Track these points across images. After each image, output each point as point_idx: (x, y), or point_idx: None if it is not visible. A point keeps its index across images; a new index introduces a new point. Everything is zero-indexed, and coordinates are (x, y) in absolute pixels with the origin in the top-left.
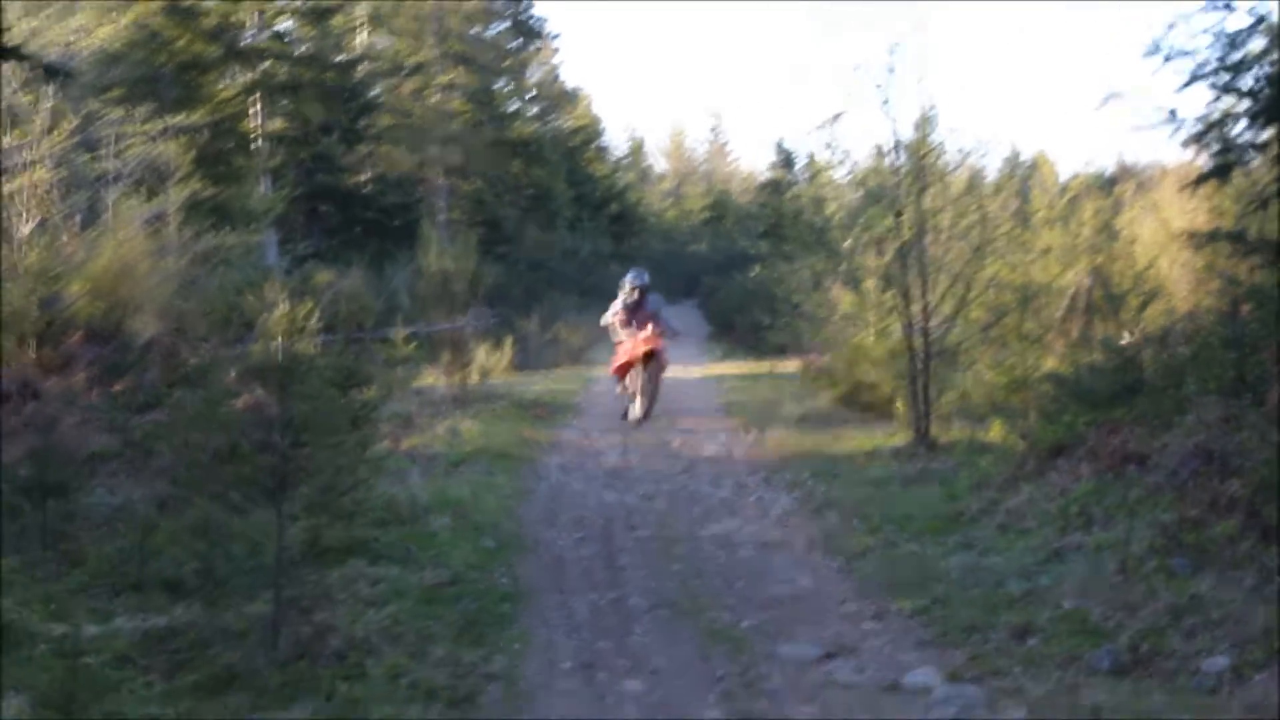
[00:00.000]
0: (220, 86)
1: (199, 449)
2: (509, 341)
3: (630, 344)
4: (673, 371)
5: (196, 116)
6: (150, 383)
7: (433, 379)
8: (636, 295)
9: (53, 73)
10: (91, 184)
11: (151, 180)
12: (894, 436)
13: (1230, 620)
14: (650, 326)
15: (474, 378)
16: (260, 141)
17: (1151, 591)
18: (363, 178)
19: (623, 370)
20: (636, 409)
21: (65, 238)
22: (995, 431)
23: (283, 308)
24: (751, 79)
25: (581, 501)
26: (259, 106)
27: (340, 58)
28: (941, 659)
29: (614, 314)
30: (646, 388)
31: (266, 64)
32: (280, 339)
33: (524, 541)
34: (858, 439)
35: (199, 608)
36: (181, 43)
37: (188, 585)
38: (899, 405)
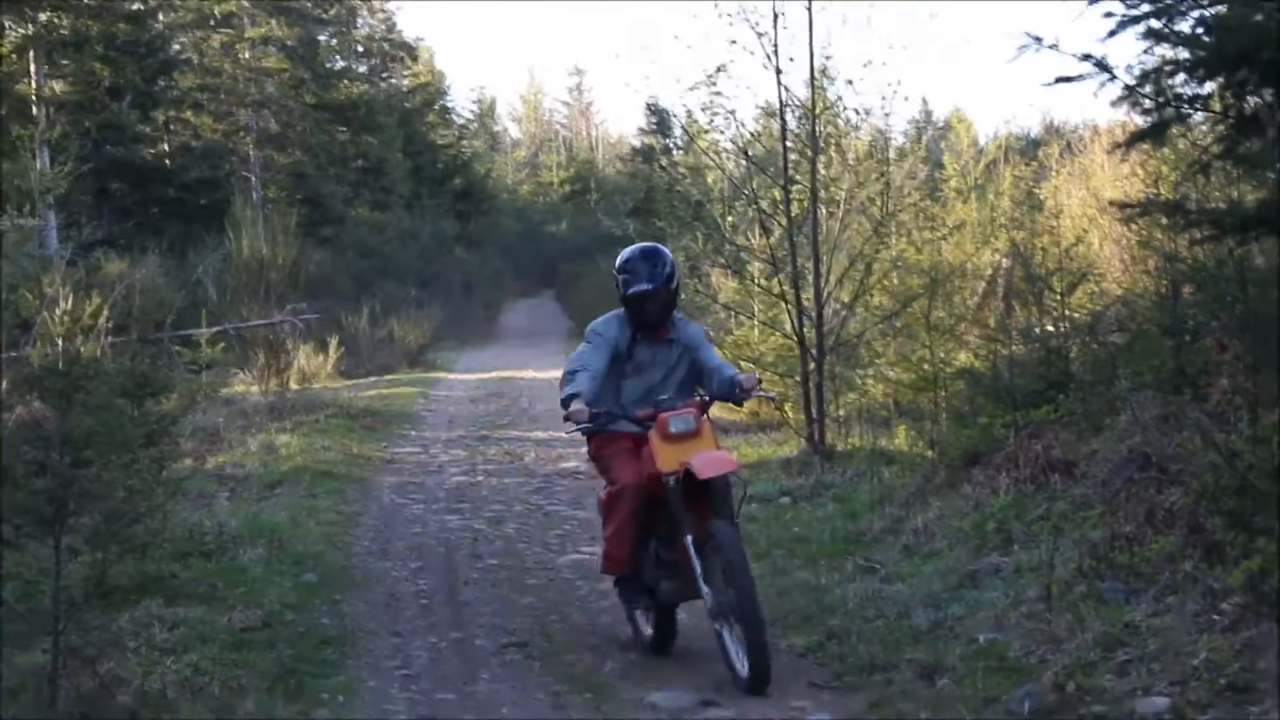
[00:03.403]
0: None
1: None
2: (335, 341)
3: (622, 461)
4: (527, 373)
5: None
6: None
7: (244, 386)
8: (636, 319)
9: None
10: None
11: None
12: (784, 446)
13: (1170, 653)
14: (673, 411)
15: (293, 384)
16: (38, 108)
17: (1079, 621)
18: (162, 150)
19: (620, 551)
20: (742, 669)
21: None
22: (900, 438)
23: (65, 304)
24: (622, 25)
25: (419, 527)
26: (35, 66)
27: (134, 6)
28: (838, 703)
29: (585, 378)
30: (719, 591)
31: (45, 15)
32: (61, 341)
33: (351, 575)
34: (741, 449)
35: None
36: None
37: None
38: (789, 409)
